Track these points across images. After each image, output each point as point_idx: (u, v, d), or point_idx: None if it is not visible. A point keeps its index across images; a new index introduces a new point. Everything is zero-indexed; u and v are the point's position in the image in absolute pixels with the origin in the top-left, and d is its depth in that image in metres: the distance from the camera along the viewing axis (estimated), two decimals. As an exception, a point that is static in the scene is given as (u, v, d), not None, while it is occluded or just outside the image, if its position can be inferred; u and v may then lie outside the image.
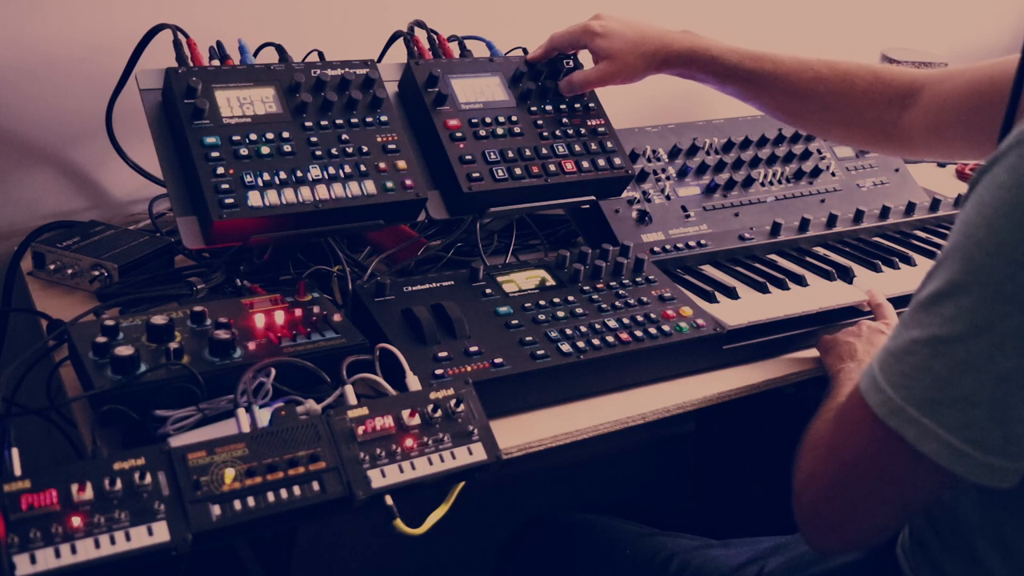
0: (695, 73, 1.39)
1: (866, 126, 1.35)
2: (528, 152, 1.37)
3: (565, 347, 1.18)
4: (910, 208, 1.68)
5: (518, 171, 1.34)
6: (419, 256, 1.46)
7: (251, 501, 0.88)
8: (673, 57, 1.38)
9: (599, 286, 1.31)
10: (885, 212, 1.65)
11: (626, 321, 1.24)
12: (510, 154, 1.35)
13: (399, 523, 0.96)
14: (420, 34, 1.45)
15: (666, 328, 1.24)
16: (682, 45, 1.37)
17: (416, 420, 0.98)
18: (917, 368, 0.84)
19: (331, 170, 1.24)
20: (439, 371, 1.11)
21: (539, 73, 1.44)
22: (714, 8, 2.05)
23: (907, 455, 0.85)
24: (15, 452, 0.87)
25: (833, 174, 1.71)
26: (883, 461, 0.88)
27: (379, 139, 1.29)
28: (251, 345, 1.08)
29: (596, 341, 1.20)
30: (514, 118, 1.39)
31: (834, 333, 1.32)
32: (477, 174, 1.32)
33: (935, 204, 1.71)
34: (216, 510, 0.86)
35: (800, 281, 1.44)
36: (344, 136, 1.27)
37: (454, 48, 1.46)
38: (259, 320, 1.13)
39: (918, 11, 2.36)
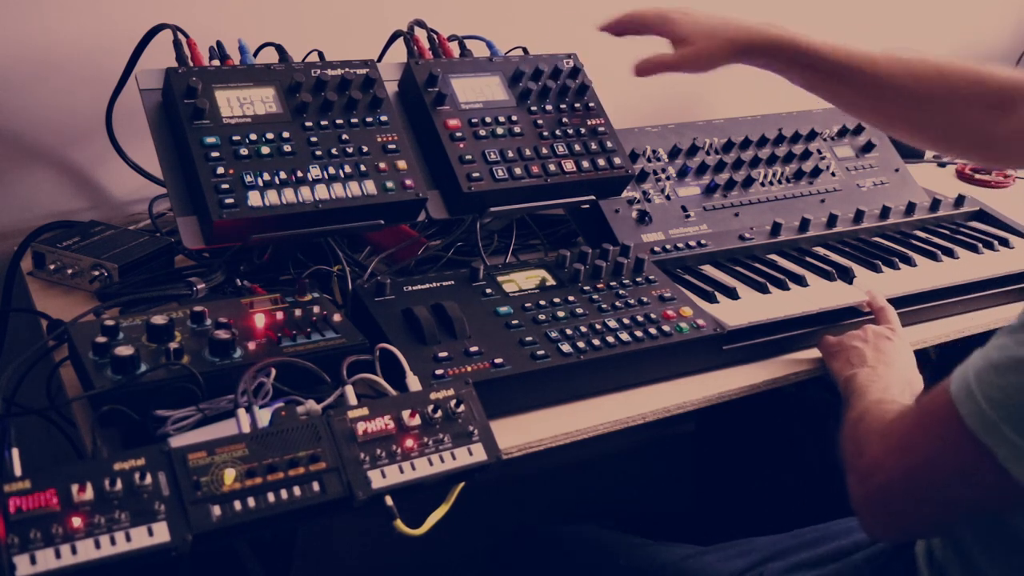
0: (777, 64, 1.31)
1: (965, 133, 1.26)
2: (528, 152, 1.37)
3: (565, 347, 1.18)
4: (910, 208, 1.68)
5: (518, 171, 1.34)
6: (419, 256, 1.46)
7: (251, 501, 0.88)
8: (756, 47, 1.30)
9: (599, 286, 1.30)
10: (885, 212, 1.65)
11: (626, 321, 1.24)
12: (510, 154, 1.35)
13: (399, 523, 0.96)
14: (420, 34, 1.45)
15: (666, 328, 1.24)
16: (766, 34, 1.30)
17: (416, 420, 0.98)
18: (1020, 389, 0.83)
19: (331, 170, 1.23)
20: (439, 371, 1.11)
21: (539, 73, 1.44)
22: (713, 7, 2.04)
23: (994, 470, 0.85)
24: (15, 452, 0.87)
25: (833, 174, 1.71)
26: (965, 468, 0.88)
27: (379, 139, 1.29)
28: (251, 345, 1.08)
29: (596, 341, 1.20)
30: (514, 118, 1.39)
31: (838, 336, 1.31)
32: (477, 174, 1.32)
33: (935, 204, 1.70)
34: (216, 510, 0.86)
35: (800, 281, 1.44)
36: (344, 136, 1.27)
37: (454, 48, 1.46)
38: (259, 320, 1.13)
39: (918, 11, 2.36)
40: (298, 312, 1.15)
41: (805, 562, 1.21)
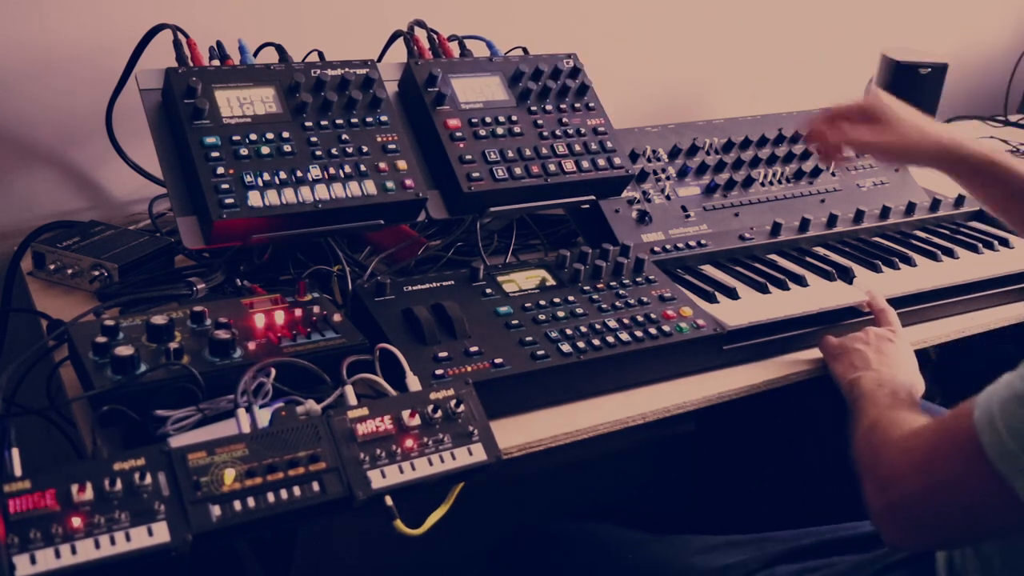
0: (978, 180, 1.30)
1: None
2: (528, 152, 1.37)
3: (565, 347, 1.18)
4: (910, 208, 1.68)
5: (518, 171, 1.34)
6: (419, 256, 1.46)
7: (251, 502, 0.87)
8: (966, 159, 1.28)
9: (599, 286, 1.30)
10: (885, 212, 1.65)
11: (626, 321, 1.24)
12: (510, 154, 1.35)
13: (399, 524, 0.96)
14: (420, 34, 1.45)
15: (666, 328, 1.24)
16: (979, 151, 1.28)
17: (416, 420, 0.98)
18: None
19: (331, 170, 1.24)
20: (439, 371, 1.11)
21: (539, 73, 1.44)
22: (714, 7, 2.04)
23: (1010, 499, 0.85)
24: (15, 452, 0.87)
25: (833, 174, 1.71)
26: (983, 495, 0.89)
27: (379, 139, 1.29)
28: (251, 345, 1.08)
29: (596, 341, 1.20)
30: (514, 118, 1.39)
31: (839, 338, 1.31)
32: (477, 174, 1.32)
33: (935, 204, 1.71)
34: (216, 511, 0.86)
35: (800, 281, 1.44)
36: (344, 136, 1.27)
37: (454, 48, 1.46)
38: (259, 320, 1.13)
39: (918, 11, 2.36)
40: (298, 312, 1.15)
41: (821, 565, 1.21)
